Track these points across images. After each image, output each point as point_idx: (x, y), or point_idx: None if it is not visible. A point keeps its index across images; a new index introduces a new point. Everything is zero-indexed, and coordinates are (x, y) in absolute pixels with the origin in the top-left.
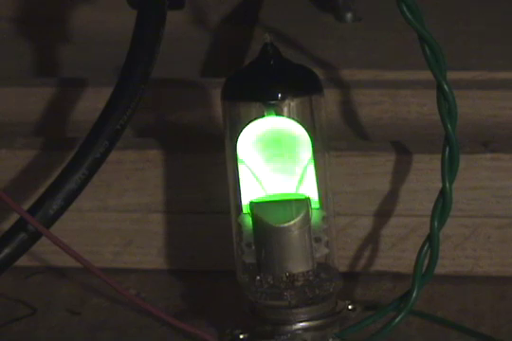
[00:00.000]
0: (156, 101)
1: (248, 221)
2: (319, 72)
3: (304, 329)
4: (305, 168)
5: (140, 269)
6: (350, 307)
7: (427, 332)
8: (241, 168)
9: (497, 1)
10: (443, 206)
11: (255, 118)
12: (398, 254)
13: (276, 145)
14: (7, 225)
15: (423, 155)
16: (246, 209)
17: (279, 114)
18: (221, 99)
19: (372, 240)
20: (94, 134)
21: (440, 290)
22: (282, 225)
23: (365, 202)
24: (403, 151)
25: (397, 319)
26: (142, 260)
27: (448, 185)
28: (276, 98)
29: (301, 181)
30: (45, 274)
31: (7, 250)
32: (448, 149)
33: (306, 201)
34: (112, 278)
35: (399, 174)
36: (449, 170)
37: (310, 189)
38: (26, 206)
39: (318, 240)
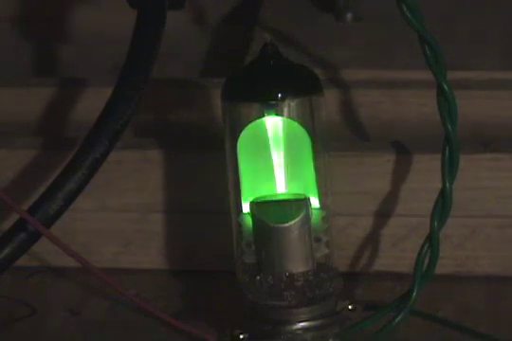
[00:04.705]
0: (156, 101)
1: (248, 221)
2: (319, 72)
3: (304, 329)
4: (305, 168)
5: (140, 269)
6: (350, 307)
7: (427, 332)
8: (241, 168)
9: (497, 1)
10: (443, 206)
11: (255, 118)
12: (398, 254)
13: (276, 145)
14: (7, 225)
15: (423, 155)
16: (246, 209)
17: (279, 114)
18: (221, 100)
19: (372, 240)
20: (94, 134)
21: (440, 290)
22: (282, 225)
23: (365, 202)
24: (403, 151)
25: (397, 319)
26: (142, 260)
27: (448, 185)
28: (276, 99)
29: (301, 181)
30: (45, 274)
31: (7, 250)
32: (447, 149)
33: (306, 201)
34: (112, 278)
35: (399, 174)
36: (449, 170)
37: (310, 189)
38: (26, 206)
39: (318, 240)
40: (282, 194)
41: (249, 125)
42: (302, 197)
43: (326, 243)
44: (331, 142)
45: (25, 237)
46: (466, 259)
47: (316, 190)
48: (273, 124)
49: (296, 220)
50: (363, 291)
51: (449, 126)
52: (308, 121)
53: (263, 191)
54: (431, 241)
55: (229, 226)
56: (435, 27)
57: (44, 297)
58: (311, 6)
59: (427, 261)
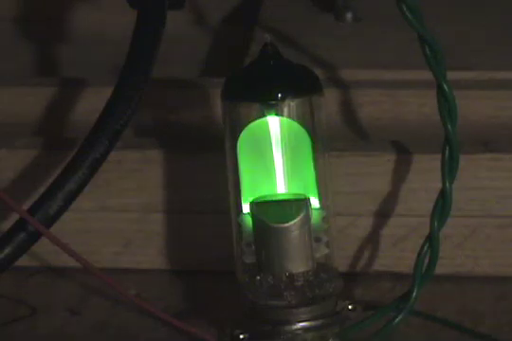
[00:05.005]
0: (157, 101)
1: (248, 221)
2: (319, 72)
3: (304, 329)
4: (305, 168)
5: (140, 269)
6: (350, 307)
7: (427, 332)
8: (241, 168)
9: (497, 1)
10: (443, 206)
11: (255, 118)
12: (398, 254)
13: (276, 145)
14: (7, 225)
15: (423, 155)
16: (246, 209)
17: (279, 114)
18: (221, 100)
19: (372, 240)
20: (94, 134)
21: (440, 290)
22: (282, 225)
23: (365, 202)
24: (403, 151)
25: (397, 319)
26: (142, 260)
27: (448, 185)
28: (276, 99)
29: (301, 181)
30: (45, 274)
31: (7, 250)
32: (447, 149)
33: (306, 201)
34: (112, 278)
35: (399, 174)
36: (449, 170)
37: (310, 189)
38: (26, 206)
39: (318, 240)
40: (282, 194)
41: (249, 125)
42: (302, 197)
43: (326, 243)
44: (331, 142)
45: (25, 237)
46: (466, 259)
47: (316, 190)
48: (273, 124)
49: (296, 220)
50: (363, 291)
51: (449, 126)
52: (308, 121)
53: (263, 191)
54: (431, 241)
55: (229, 226)
56: (435, 27)
57: (44, 297)
58: (311, 6)
59: (427, 261)
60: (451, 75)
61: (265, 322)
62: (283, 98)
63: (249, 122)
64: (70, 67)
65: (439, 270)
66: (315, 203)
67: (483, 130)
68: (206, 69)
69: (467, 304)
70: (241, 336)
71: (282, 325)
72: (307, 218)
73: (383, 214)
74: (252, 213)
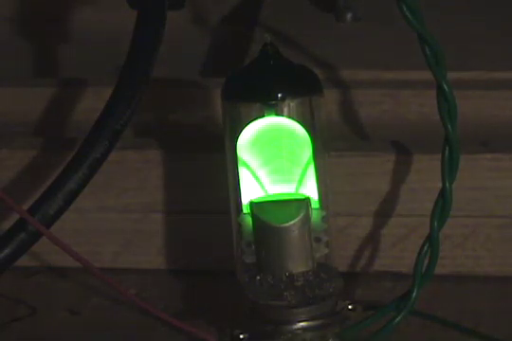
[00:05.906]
0: (156, 101)
1: (248, 221)
2: (319, 72)
3: (304, 328)
4: (305, 168)
5: (140, 269)
6: (350, 307)
7: (427, 331)
8: (241, 168)
9: (497, 1)
10: (443, 206)
11: (255, 118)
12: (398, 254)
13: (276, 145)
14: (7, 225)
15: (423, 155)
16: (246, 209)
17: (279, 114)
18: (221, 100)
19: (372, 240)
20: (94, 134)
21: (440, 290)
22: (282, 225)
23: (365, 202)
24: (403, 151)
25: (397, 319)
26: (142, 260)
27: (447, 185)
28: (276, 99)
29: (300, 181)
30: (45, 274)
31: (7, 250)
32: (447, 149)
33: (306, 201)
34: (112, 278)
35: (399, 174)
36: (449, 170)
37: (310, 189)
38: (26, 206)
39: (318, 240)
40: (282, 194)
41: (249, 125)
42: (302, 197)
43: (326, 243)
44: (331, 142)
45: (25, 237)
46: (466, 259)
47: (316, 190)
48: (273, 124)
49: (296, 220)
50: (363, 291)
51: (449, 126)
52: (308, 121)
53: (263, 191)
54: (431, 241)
55: (229, 226)
56: (435, 28)
57: (44, 297)
58: (311, 6)
59: (427, 261)
60: (451, 75)
61: (264, 322)
62: (282, 99)
63: (249, 122)
64: (70, 67)
65: (439, 270)
66: (315, 203)
67: (483, 130)
68: (206, 69)
69: (467, 304)
70: (241, 336)
71: (282, 325)
72: (307, 218)
73: (383, 214)
74: (252, 213)
